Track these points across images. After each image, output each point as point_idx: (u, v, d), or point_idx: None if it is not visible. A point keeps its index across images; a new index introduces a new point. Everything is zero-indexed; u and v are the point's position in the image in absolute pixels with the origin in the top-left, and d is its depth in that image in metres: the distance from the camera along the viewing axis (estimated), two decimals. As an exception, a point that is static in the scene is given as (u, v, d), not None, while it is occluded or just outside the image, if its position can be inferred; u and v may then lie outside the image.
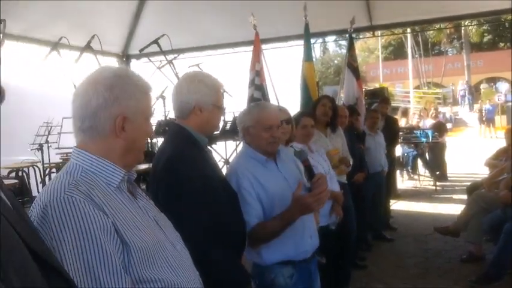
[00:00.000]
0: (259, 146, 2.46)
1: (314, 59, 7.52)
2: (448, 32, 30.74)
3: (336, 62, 33.83)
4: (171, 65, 5.05)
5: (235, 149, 7.21)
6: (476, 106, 23.07)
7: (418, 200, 8.80)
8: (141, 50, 4.97)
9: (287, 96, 7.00)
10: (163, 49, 5.14)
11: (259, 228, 2.29)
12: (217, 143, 6.72)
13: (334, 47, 38.21)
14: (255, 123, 2.46)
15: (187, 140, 2.04)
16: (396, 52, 36.58)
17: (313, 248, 2.53)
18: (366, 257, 5.60)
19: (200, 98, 2.05)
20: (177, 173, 1.93)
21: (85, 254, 1.16)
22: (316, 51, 37.68)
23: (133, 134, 1.37)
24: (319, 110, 4.46)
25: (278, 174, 2.48)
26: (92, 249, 1.17)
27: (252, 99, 5.77)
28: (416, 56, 31.50)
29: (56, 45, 4.58)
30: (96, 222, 1.19)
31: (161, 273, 1.31)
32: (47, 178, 6.71)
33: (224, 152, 7.03)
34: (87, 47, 4.29)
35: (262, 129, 2.43)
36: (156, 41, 4.76)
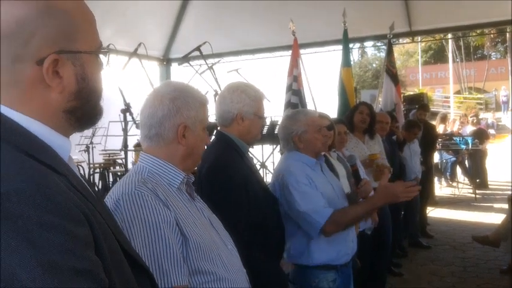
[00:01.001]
0: (314, 149, 2.56)
1: (352, 63, 7.52)
2: (491, 35, 29.88)
3: (374, 65, 33.43)
4: (211, 70, 5.18)
5: (272, 152, 7.30)
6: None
7: (456, 208, 8.63)
8: (184, 57, 5.12)
9: (324, 102, 7.04)
10: (203, 53, 5.27)
11: (340, 214, 2.35)
12: (254, 146, 6.81)
13: (373, 50, 37.75)
14: (307, 128, 2.55)
15: (229, 147, 2.16)
16: (436, 56, 35.82)
17: (353, 252, 2.60)
18: (402, 264, 5.56)
19: (242, 107, 2.16)
20: (219, 177, 2.04)
21: (151, 243, 1.33)
22: (354, 55, 37.33)
23: (192, 141, 1.56)
24: (356, 117, 4.48)
25: (323, 177, 2.58)
26: (157, 239, 1.33)
27: (289, 104, 5.84)
28: (458, 60, 30.76)
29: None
30: (161, 216, 1.36)
31: (214, 267, 1.44)
32: (91, 178, 6.99)
33: (261, 156, 7.14)
34: (134, 54, 4.47)
35: (314, 131, 2.54)
36: (198, 48, 4.89)
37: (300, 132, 2.55)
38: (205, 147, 1.72)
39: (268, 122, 6.78)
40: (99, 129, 7.02)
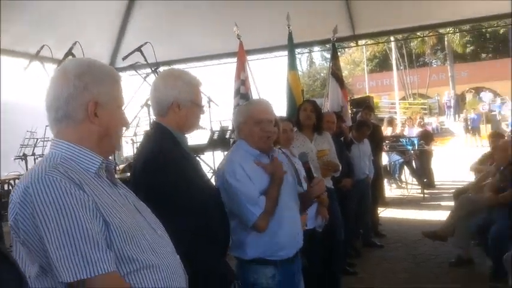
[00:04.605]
0: (252, 143, 2.45)
1: (301, 72, 7.60)
2: (431, 43, 31.22)
3: (322, 74, 34.07)
4: (155, 74, 5.04)
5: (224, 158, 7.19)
6: (462, 116, 23.34)
7: (406, 207, 8.82)
8: (124, 58, 4.97)
9: (274, 106, 7.03)
10: (150, 62, 5.13)
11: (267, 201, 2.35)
12: (205, 153, 6.69)
13: (321, 60, 38.62)
14: (246, 119, 2.45)
15: (166, 138, 2.01)
16: (381, 64, 37.02)
17: (295, 248, 2.50)
18: (356, 263, 5.57)
19: (178, 94, 2.02)
20: (156, 175, 1.90)
21: (69, 229, 1.20)
22: (303, 65, 38.08)
23: (106, 120, 1.42)
24: (301, 115, 4.50)
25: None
26: (75, 224, 1.21)
27: (237, 109, 5.79)
28: (401, 67, 31.89)
29: (37, 54, 4.56)
30: (77, 200, 1.23)
31: (142, 254, 1.33)
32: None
33: (212, 162, 7.00)
34: (69, 54, 4.27)
35: (253, 123, 2.42)
36: (139, 49, 4.74)
37: (239, 122, 2.49)
38: (124, 129, 1.57)
39: (218, 127, 6.70)
40: (41, 140, 6.67)
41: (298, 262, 2.56)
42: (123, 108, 1.50)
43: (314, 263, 3.40)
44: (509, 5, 6.42)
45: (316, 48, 10.15)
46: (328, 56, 8.57)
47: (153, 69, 4.76)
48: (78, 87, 1.36)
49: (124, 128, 1.56)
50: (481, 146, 17.24)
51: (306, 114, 4.46)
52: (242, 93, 5.82)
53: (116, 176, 1.58)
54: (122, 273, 1.29)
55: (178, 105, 2.02)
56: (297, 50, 7.78)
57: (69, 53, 4.35)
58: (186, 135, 2.11)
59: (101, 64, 1.46)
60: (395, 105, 26.32)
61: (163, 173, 1.89)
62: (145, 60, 4.77)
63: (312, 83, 32.86)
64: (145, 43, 4.70)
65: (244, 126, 2.46)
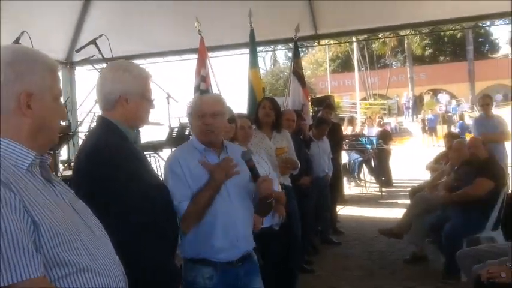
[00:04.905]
0: (196, 136, 2.42)
1: (264, 71, 7.59)
2: (392, 45, 31.99)
3: (285, 73, 34.25)
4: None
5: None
6: (420, 117, 24.03)
7: (364, 205, 8.97)
8: (77, 50, 4.81)
9: (235, 103, 6.99)
10: (108, 57, 4.97)
11: (190, 206, 2.24)
12: (164, 150, 6.57)
13: (284, 59, 38.88)
14: (192, 111, 2.42)
15: (112, 133, 1.92)
16: (344, 65, 37.62)
17: (241, 252, 2.38)
18: (313, 261, 5.61)
19: (125, 88, 1.93)
20: (100, 169, 1.81)
21: None
22: (267, 64, 38.27)
23: (41, 113, 1.30)
24: (260, 112, 4.49)
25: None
26: None
27: (197, 105, 5.70)
28: (363, 68, 32.50)
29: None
30: (1, 199, 1.12)
31: (76, 257, 1.23)
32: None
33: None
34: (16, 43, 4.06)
35: (196, 117, 2.38)
36: (93, 41, 4.58)
37: (190, 117, 2.45)
38: (61, 121, 1.46)
39: (177, 124, 6.59)
40: None
41: (248, 265, 2.44)
42: (60, 99, 1.39)
43: (271, 261, 3.38)
44: (465, 9, 6.63)
45: (279, 47, 10.12)
46: (289, 48, 8.57)
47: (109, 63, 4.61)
48: (9, 77, 1.25)
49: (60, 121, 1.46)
50: (438, 146, 17.76)
51: (264, 111, 4.45)
52: (202, 90, 5.75)
53: (69, 172, 1.47)
54: (53, 277, 1.19)
55: (126, 99, 1.93)
56: (261, 49, 7.77)
57: (16, 43, 4.15)
58: (135, 130, 2.03)
59: (36, 52, 1.35)
60: (356, 105, 26.81)
61: (108, 167, 1.81)
62: (100, 53, 4.62)
63: (275, 82, 32.98)
64: (101, 35, 4.55)
65: (191, 119, 2.43)
